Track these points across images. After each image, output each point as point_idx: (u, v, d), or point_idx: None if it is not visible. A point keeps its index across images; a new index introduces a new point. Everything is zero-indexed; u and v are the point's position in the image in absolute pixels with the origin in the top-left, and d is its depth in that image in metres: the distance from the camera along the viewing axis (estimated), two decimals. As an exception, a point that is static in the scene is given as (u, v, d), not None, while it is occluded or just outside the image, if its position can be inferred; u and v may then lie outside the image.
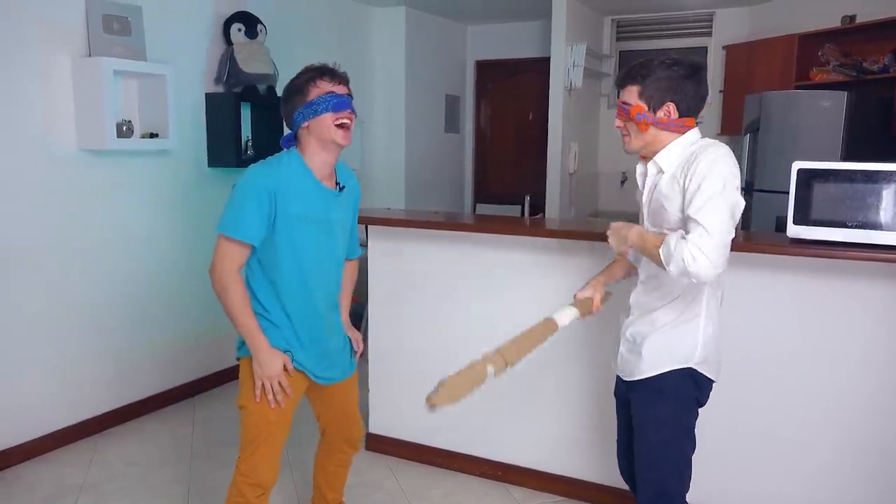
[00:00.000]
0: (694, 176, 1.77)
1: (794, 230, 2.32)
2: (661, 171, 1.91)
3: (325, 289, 2.21)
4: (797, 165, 2.30)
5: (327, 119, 2.05)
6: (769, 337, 2.52)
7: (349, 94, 2.12)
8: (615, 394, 2.17)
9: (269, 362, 2.07)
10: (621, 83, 1.93)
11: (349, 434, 2.43)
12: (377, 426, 3.36)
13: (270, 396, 2.09)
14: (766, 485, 2.59)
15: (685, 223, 1.79)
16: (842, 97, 4.09)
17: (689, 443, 1.96)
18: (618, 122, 1.96)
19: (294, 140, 2.14)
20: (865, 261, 2.24)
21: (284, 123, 2.15)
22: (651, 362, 1.93)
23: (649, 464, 1.97)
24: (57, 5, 3.27)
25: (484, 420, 3.11)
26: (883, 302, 2.35)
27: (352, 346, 2.37)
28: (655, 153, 1.92)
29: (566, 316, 2.04)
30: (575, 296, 2.12)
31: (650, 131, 1.89)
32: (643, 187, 2.01)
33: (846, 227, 2.23)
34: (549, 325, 2.02)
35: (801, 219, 2.30)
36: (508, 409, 3.05)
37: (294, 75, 2.14)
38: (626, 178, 6.21)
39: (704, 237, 1.69)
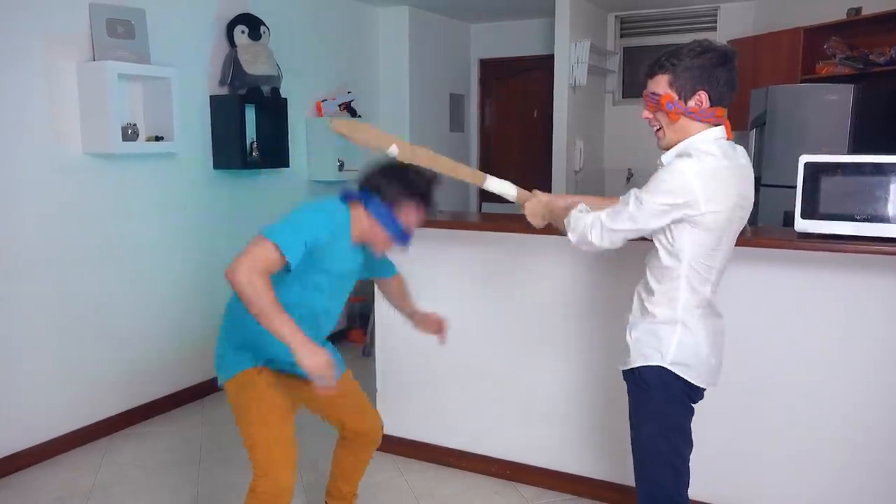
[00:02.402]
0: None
1: (801, 224, 2.30)
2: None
3: (327, 324, 2.24)
4: (804, 159, 2.28)
5: (383, 236, 2.09)
6: (778, 332, 2.50)
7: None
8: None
9: (318, 351, 1.91)
10: (650, 72, 1.89)
11: (367, 431, 2.44)
12: (385, 426, 3.34)
13: (332, 383, 1.95)
14: (775, 482, 2.57)
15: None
16: (848, 90, 4.05)
17: (683, 441, 1.93)
18: (646, 114, 1.92)
19: (354, 199, 2.11)
20: (874, 254, 2.22)
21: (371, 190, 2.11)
22: (633, 354, 1.94)
23: (643, 459, 1.96)
24: (61, 10, 3.28)
25: (492, 419, 3.11)
26: (892, 295, 2.33)
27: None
28: None
29: (502, 186, 2.21)
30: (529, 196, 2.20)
31: (681, 122, 1.85)
32: None
33: (854, 220, 2.21)
34: (478, 175, 2.20)
35: (809, 213, 2.28)
36: (517, 408, 3.05)
37: (416, 170, 2.09)
38: (632, 175, 6.19)
39: (610, 216, 1.87)
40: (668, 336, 1.88)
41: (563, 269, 2.84)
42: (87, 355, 3.51)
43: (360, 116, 5.19)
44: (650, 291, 1.92)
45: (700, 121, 1.84)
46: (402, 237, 2.10)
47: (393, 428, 3.35)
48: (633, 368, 1.94)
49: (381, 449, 3.32)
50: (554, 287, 2.87)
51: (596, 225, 1.89)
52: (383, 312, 3.29)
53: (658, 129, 1.91)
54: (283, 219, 2.00)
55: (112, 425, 3.62)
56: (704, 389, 1.95)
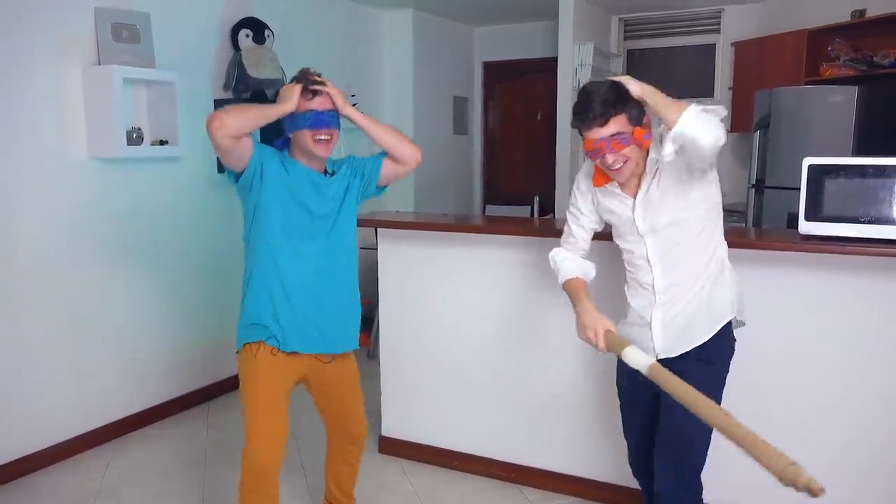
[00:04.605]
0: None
1: (805, 226, 2.31)
2: (658, 162, 1.96)
3: (308, 272, 2.25)
4: (808, 161, 2.29)
5: (306, 135, 2.14)
6: (782, 334, 2.50)
7: (331, 109, 2.17)
8: (631, 387, 2.19)
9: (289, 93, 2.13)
10: (603, 118, 1.87)
11: (349, 430, 2.48)
12: (389, 429, 3.36)
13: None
14: (776, 481, 2.57)
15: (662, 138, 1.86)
16: (852, 92, 4.06)
17: None
18: (613, 158, 1.91)
19: (287, 143, 2.27)
20: (878, 256, 2.22)
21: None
22: (707, 326, 2.01)
23: (690, 437, 1.99)
24: (66, 15, 3.30)
25: (497, 421, 3.11)
26: (897, 297, 2.33)
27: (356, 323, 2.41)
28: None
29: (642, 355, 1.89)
30: (607, 334, 2.04)
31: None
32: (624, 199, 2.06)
33: (859, 222, 2.21)
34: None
35: (813, 215, 2.29)
36: (521, 411, 3.05)
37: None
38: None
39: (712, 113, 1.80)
40: (728, 289, 2.04)
41: (567, 271, 2.84)
42: (94, 358, 3.52)
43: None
44: (694, 267, 1.99)
45: (650, 137, 1.96)
46: (312, 119, 2.13)
47: (397, 431, 3.35)
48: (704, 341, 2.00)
49: (385, 452, 3.35)
50: (558, 289, 2.87)
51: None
52: (387, 315, 3.30)
53: (623, 164, 1.94)
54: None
55: (119, 428, 3.63)
56: None
